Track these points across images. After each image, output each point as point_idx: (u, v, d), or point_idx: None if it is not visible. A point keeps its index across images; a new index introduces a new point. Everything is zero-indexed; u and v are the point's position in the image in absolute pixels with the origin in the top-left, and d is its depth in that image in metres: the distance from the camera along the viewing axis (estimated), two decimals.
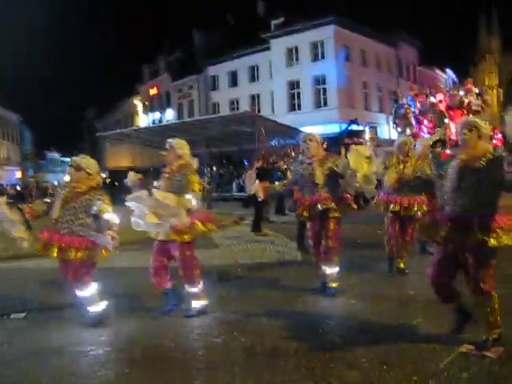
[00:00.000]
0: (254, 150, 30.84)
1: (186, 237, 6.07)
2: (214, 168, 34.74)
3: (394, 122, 20.41)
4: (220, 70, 49.49)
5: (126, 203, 5.99)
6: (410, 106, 19.06)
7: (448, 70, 59.05)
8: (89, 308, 6.05)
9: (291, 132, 32.68)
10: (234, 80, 48.85)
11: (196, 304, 6.35)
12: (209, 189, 25.35)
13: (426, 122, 18.23)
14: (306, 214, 7.09)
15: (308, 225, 7.36)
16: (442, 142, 11.12)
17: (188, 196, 5.96)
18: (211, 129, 32.78)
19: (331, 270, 7.04)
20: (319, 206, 6.90)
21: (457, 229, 4.71)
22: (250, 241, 12.84)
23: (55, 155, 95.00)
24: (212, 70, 50.46)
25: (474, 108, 17.89)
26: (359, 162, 7.03)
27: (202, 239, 13.53)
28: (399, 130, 19.58)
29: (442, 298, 5.14)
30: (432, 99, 18.82)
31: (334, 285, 7.07)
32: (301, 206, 7.23)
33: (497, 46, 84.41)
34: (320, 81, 41.46)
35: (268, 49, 43.96)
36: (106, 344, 5.53)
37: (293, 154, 30.61)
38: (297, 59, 42.47)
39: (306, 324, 5.88)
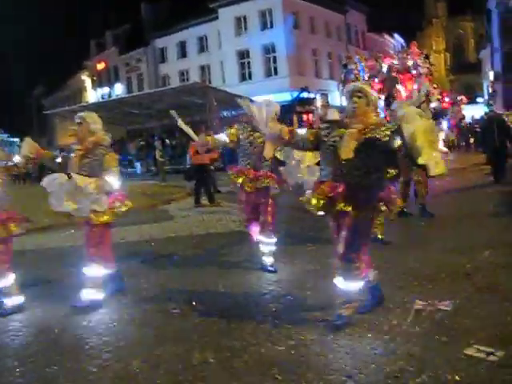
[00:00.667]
0: (206, 121, 30.68)
1: (105, 218, 5.68)
2: (167, 141, 34.37)
3: (343, 89, 20.46)
4: (168, 42, 48.74)
5: (43, 185, 5.68)
6: (359, 71, 18.90)
7: (396, 35, 59.56)
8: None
9: None
10: (182, 51, 48.20)
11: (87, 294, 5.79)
12: (162, 162, 25.12)
13: (376, 86, 17.98)
14: (248, 188, 6.66)
15: (243, 196, 6.92)
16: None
17: (108, 177, 5.58)
18: (162, 101, 32.36)
19: (268, 246, 6.86)
20: (261, 182, 6.64)
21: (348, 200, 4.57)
22: (205, 212, 12.85)
23: (2, 135, 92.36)
24: (160, 42, 49.65)
25: (422, 71, 17.97)
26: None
27: (157, 212, 13.53)
28: None
29: None
30: (383, 64, 18.76)
31: (269, 261, 6.86)
32: (241, 175, 6.74)
33: (443, 10, 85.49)
34: (270, 49, 41.28)
35: (216, 18, 43.41)
36: (62, 322, 5.48)
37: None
38: (245, 28, 42.10)
39: (261, 289, 5.95)
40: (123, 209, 5.87)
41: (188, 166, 17.92)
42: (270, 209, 6.78)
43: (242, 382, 3.73)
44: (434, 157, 4.42)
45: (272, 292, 5.84)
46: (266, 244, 6.83)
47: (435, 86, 20.43)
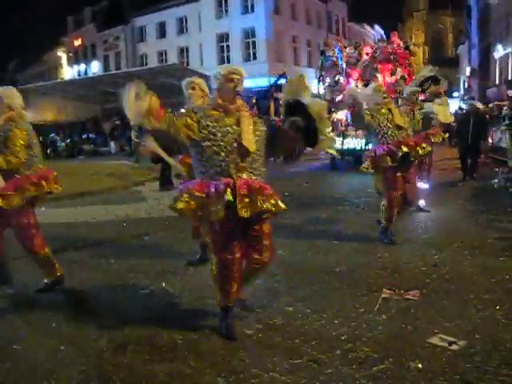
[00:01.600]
0: (182, 103, 30.44)
1: (14, 202, 5.13)
2: None
3: (321, 75, 19.30)
4: (148, 21, 48.16)
5: None
6: (337, 58, 18.36)
7: (376, 27, 59.72)
8: None
9: None
10: (162, 32, 47.68)
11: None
12: (137, 143, 24.87)
13: (355, 74, 17.82)
14: None
15: None
16: (432, 79, 10.56)
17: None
18: (139, 81, 32.07)
19: None
20: None
21: None
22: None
23: None
24: (139, 21, 49.04)
25: (400, 61, 17.64)
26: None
27: (129, 193, 13.46)
28: (327, 82, 18.65)
29: None
30: (362, 51, 18.34)
31: None
32: None
33: (424, 4, 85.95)
34: (249, 34, 41.08)
35: (197, 0, 43.02)
36: (30, 300, 5.45)
37: None
38: (226, 11, 41.80)
39: None
40: (36, 192, 5.30)
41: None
42: None
43: (208, 363, 3.76)
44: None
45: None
46: None
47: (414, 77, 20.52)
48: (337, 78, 17.93)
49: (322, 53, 19.11)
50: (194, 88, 6.04)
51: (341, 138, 16.18)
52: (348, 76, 17.63)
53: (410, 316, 4.48)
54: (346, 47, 18.68)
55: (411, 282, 5.35)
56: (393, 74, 16.78)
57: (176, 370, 3.70)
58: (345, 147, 16.23)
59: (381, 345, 3.93)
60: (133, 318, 4.72)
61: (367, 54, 17.73)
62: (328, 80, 18.30)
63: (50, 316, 4.85)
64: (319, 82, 18.81)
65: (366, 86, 15.37)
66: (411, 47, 18.58)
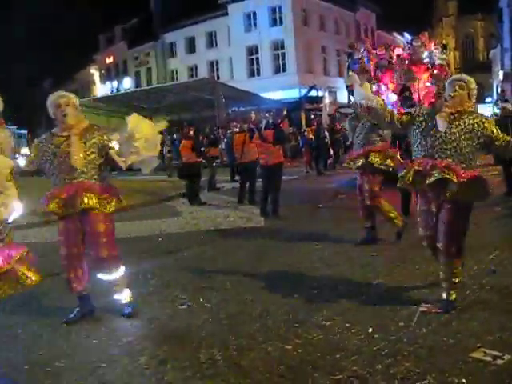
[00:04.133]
0: (213, 116, 30.68)
1: (114, 206, 5.31)
2: (175, 136, 34.41)
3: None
4: (177, 37, 48.74)
5: None
6: (365, 60, 16.66)
7: (406, 34, 59.24)
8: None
9: (251, 98, 32.61)
10: (191, 46, 48.21)
11: None
12: (169, 157, 25.14)
13: (386, 78, 16.19)
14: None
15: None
16: None
17: None
18: (170, 96, 32.45)
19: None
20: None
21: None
22: (212, 208, 12.87)
23: (11, 127, 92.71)
24: (169, 37, 49.68)
25: (438, 62, 16.05)
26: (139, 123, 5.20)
27: (164, 207, 13.56)
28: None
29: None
30: (396, 51, 16.67)
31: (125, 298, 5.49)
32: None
33: (453, 9, 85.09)
34: (279, 46, 41.23)
35: (226, 14, 43.40)
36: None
37: (253, 119, 30.56)
38: (255, 24, 42.06)
39: (269, 288, 5.96)
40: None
41: (178, 163, 17.35)
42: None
43: (248, 380, 3.75)
44: None
45: (279, 291, 5.85)
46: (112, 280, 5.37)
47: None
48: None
49: (349, 55, 17.84)
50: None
51: None
52: (378, 80, 16.22)
53: (451, 329, 4.40)
54: (375, 49, 17.31)
55: None
56: (431, 76, 15.50)
57: None
58: None
59: (422, 359, 3.87)
60: (172, 334, 4.74)
61: (399, 55, 16.34)
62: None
63: (90, 333, 4.91)
64: (347, 88, 17.10)
65: (401, 90, 14.67)
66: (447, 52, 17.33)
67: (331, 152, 24.44)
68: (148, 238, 9.60)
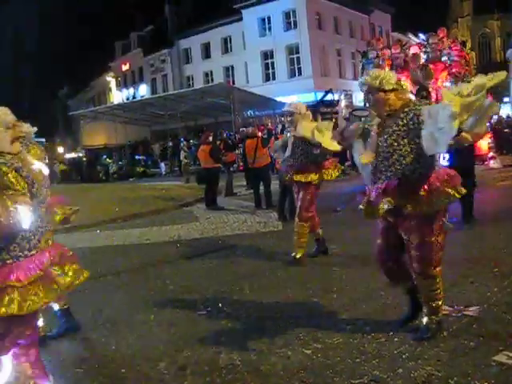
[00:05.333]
0: (229, 121, 30.75)
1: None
2: (192, 141, 34.62)
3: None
4: (192, 43, 48.94)
5: None
6: (381, 59, 16.12)
7: (421, 35, 59.00)
8: None
9: (267, 102, 32.64)
10: (206, 52, 48.38)
11: None
12: (186, 163, 25.24)
13: (402, 78, 16.24)
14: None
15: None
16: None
17: None
18: (186, 102, 32.57)
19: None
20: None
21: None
22: (230, 213, 12.87)
23: None
24: (184, 43, 49.89)
25: (456, 59, 15.28)
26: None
27: (182, 213, 13.60)
28: None
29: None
30: (412, 50, 16.00)
31: None
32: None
33: (469, 9, 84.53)
34: (294, 50, 41.23)
35: (240, 19, 43.48)
36: (91, 322, 5.56)
37: (269, 124, 30.62)
38: (269, 29, 42.10)
39: (288, 292, 5.95)
40: None
41: (196, 169, 17.47)
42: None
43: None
44: None
45: (298, 295, 5.84)
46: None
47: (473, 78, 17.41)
48: None
49: (364, 54, 17.40)
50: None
51: None
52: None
53: (473, 332, 4.35)
54: (390, 48, 16.74)
55: (472, 297, 5.21)
56: (450, 74, 14.75)
57: None
58: None
59: (443, 363, 3.83)
60: (191, 339, 4.75)
61: (415, 54, 15.68)
62: None
63: (109, 339, 4.93)
64: (362, 89, 17.11)
65: (418, 90, 14.02)
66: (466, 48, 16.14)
67: (348, 155, 24.33)
68: (166, 244, 9.63)
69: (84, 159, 39.15)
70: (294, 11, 40.39)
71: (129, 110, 37.31)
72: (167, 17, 52.70)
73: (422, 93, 13.78)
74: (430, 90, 14.23)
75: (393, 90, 4.16)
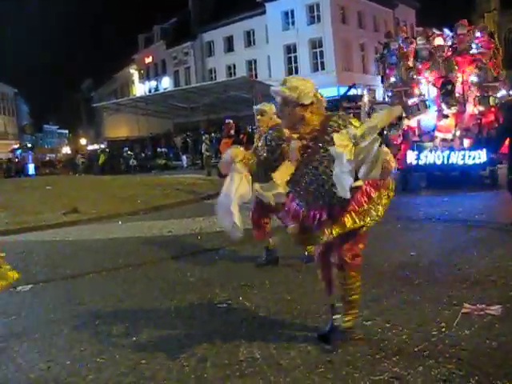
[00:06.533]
0: (251, 115, 30.75)
1: None
2: (213, 134, 34.67)
3: (382, 76, 15.71)
4: (215, 36, 49.00)
5: None
6: (404, 49, 14.96)
7: (446, 30, 58.39)
8: None
9: None
10: (229, 45, 48.42)
11: None
12: (208, 156, 25.30)
13: (424, 70, 14.38)
14: None
15: None
16: None
17: None
18: (209, 95, 32.64)
19: None
20: None
21: None
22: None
23: (52, 127, 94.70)
24: (207, 36, 49.98)
25: (481, 51, 14.19)
26: None
27: (203, 206, 13.64)
28: (391, 81, 15.17)
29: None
30: (437, 41, 14.78)
31: None
32: None
33: (495, 4, 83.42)
34: (317, 44, 41.06)
35: (263, 13, 43.44)
36: (112, 313, 5.61)
37: None
38: (293, 23, 41.98)
39: (308, 287, 5.94)
40: None
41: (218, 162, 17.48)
42: None
43: (288, 379, 3.74)
44: None
45: (319, 290, 5.82)
46: None
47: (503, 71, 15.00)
48: (407, 75, 14.69)
49: (386, 46, 15.96)
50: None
51: (415, 152, 13.41)
52: (419, 72, 14.52)
53: (495, 331, 4.31)
54: (414, 38, 15.45)
55: (493, 295, 5.16)
56: (477, 67, 13.90)
57: None
58: (421, 162, 13.35)
59: (465, 362, 3.80)
60: (211, 332, 4.76)
61: (440, 46, 14.64)
62: (393, 79, 15.27)
63: (130, 330, 4.97)
64: (382, 82, 15.94)
65: (443, 84, 13.55)
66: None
67: None
68: (187, 236, 9.67)
69: (107, 150, 39.44)
70: (317, 5, 40.24)
71: (151, 103, 37.51)
72: (190, 9, 52.80)
73: (447, 87, 13.40)
74: (456, 84, 13.73)
75: (310, 104, 3.80)
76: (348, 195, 3.54)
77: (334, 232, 3.93)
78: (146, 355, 4.34)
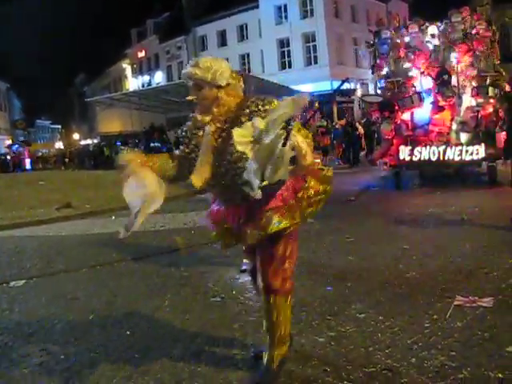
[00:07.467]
0: None
1: None
2: None
3: (373, 66, 15.06)
4: (208, 30, 48.88)
5: None
6: (396, 38, 14.51)
7: (439, 24, 58.40)
8: None
9: (283, 91, 32.50)
10: (222, 40, 48.33)
11: None
12: None
13: (420, 60, 14.02)
14: None
15: None
16: None
17: None
18: None
19: None
20: None
21: None
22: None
23: (45, 122, 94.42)
24: (200, 30, 49.85)
25: (478, 38, 13.79)
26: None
27: (196, 200, 13.64)
28: (384, 72, 14.65)
29: None
30: (431, 30, 14.40)
31: None
32: None
33: None
34: (310, 38, 41.03)
35: (256, 7, 43.35)
36: (105, 307, 5.61)
37: None
38: (286, 17, 41.92)
39: (302, 280, 5.95)
40: None
41: None
42: None
43: (282, 371, 3.75)
44: None
45: (312, 284, 5.85)
46: None
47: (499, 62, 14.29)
48: (399, 65, 14.23)
49: (376, 34, 15.25)
50: None
51: (408, 147, 13.02)
52: (412, 63, 14.15)
53: (487, 323, 4.34)
54: (407, 27, 14.92)
55: (485, 287, 5.20)
56: (474, 56, 13.48)
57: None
58: (414, 158, 12.92)
59: (457, 353, 3.83)
60: (204, 326, 4.77)
61: (433, 35, 14.28)
62: (385, 70, 14.68)
63: (124, 324, 4.97)
64: (373, 73, 15.24)
65: (439, 74, 13.23)
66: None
67: (363, 145, 24.38)
68: (181, 231, 9.67)
69: (101, 144, 39.33)
70: None
71: (144, 97, 37.37)
72: (183, 4, 52.62)
73: (443, 76, 13.13)
74: (452, 74, 13.42)
75: (227, 85, 3.45)
76: (258, 195, 3.03)
77: (255, 236, 3.35)
78: (140, 349, 4.34)
